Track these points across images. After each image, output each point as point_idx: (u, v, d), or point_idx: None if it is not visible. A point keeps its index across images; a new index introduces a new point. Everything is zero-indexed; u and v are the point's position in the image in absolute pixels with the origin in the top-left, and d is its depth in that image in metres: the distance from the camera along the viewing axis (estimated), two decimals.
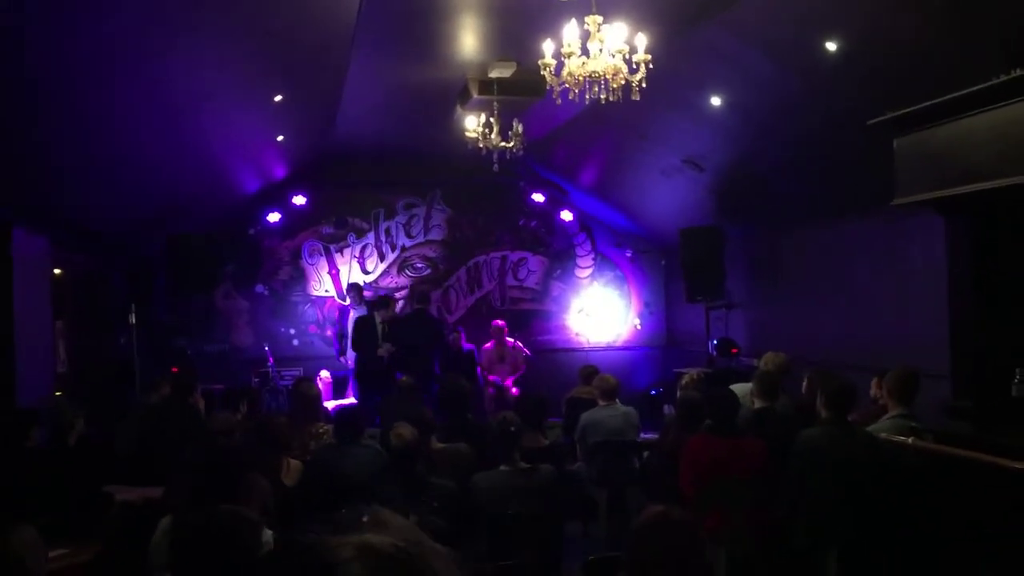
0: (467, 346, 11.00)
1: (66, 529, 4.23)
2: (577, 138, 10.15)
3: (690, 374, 7.31)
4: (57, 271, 7.92)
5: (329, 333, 11.60)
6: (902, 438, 4.60)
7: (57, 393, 7.47)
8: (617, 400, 6.86)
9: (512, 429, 4.80)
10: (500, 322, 11.17)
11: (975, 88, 4.26)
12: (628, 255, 12.87)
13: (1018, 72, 4.14)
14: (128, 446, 5.97)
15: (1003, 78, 4.21)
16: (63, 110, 5.59)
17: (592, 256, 12.78)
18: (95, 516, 4.60)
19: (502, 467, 4.78)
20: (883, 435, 4.73)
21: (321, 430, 6.12)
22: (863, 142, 5.80)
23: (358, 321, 9.86)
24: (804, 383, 6.46)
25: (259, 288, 11.63)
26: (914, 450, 4.44)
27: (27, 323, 6.73)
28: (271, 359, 10.74)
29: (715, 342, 10.19)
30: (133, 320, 9.10)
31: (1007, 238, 4.71)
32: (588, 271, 12.79)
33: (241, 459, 3.85)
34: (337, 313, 11.37)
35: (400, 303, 11.83)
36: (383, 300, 10.25)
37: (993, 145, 4.20)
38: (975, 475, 4.03)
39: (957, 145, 4.44)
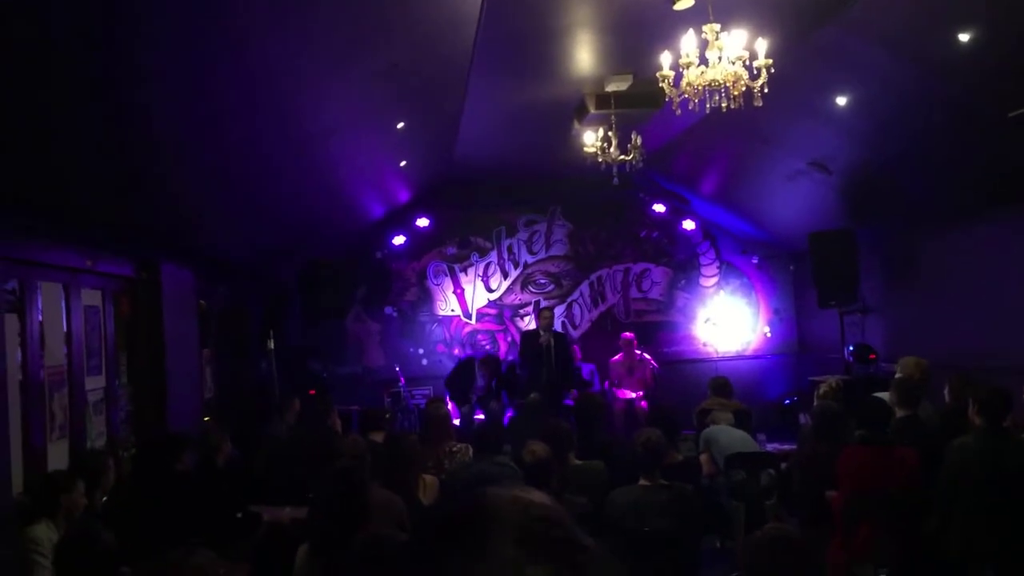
0: (586, 367, 10.97)
1: (217, 549, 4.43)
2: (697, 146, 10.03)
3: (828, 382, 7.08)
4: (203, 302, 8.33)
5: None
6: None
7: (205, 418, 7.87)
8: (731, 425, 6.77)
9: (657, 446, 4.77)
10: (629, 334, 11.09)
11: None
12: (754, 262, 12.60)
13: None
14: (270, 468, 6.22)
15: None
16: (204, 148, 5.90)
17: (717, 264, 12.57)
18: (244, 536, 4.81)
19: (642, 482, 4.76)
20: None
21: (454, 448, 6.24)
22: (999, 135, 5.52)
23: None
24: (947, 389, 6.19)
25: (388, 310, 11.94)
26: None
27: (177, 352, 7.11)
28: (402, 379, 11.01)
29: (851, 348, 9.85)
30: (272, 346, 9.49)
31: None
32: (713, 280, 12.58)
33: (365, 480, 3.95)
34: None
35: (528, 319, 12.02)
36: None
37: None
38: None
39: None
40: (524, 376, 10.22)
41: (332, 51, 5.62)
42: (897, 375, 6.26)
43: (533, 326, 11.85)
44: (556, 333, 10.49)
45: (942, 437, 5.01)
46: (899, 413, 5.54)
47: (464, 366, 10.51)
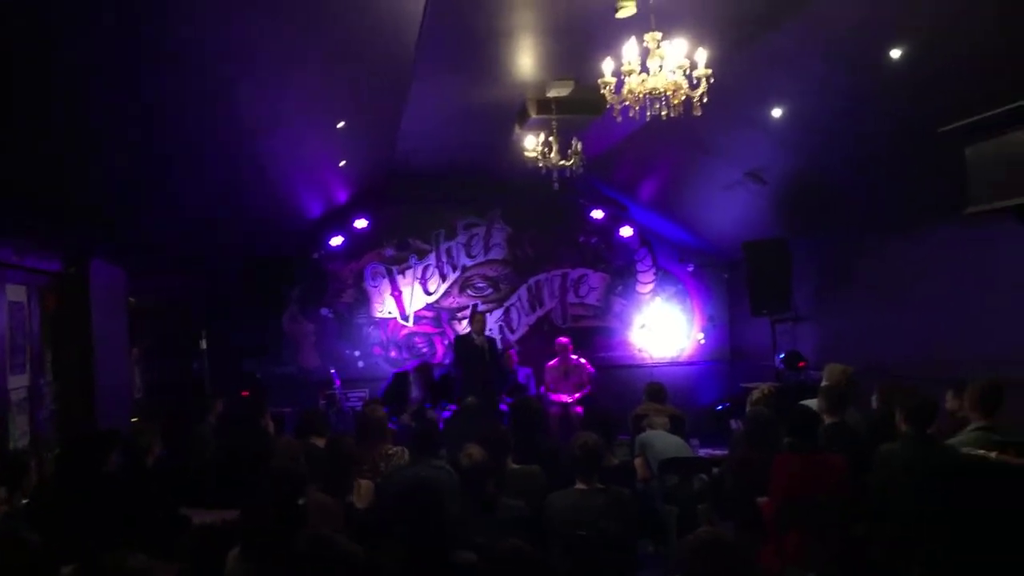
0: (522, 371, 11.00)
1: (146, 551, 4.31)
2: (637, 154, 10.12)
3: (760, 389, 7.17)
4: (133, 300, 8.12)
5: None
6: (984, 452, 4.47)
7: (134, 419, 7.67)
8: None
9: (594, 449, 4.78)
10: (564, 339, 11.14)
11: None
12: (690, 269, 12.76)
13: None
14: (200, 470, 6.08)
15: None
16: (137, 141, 5.75)
17: (653, 271, 12.71)
18: (174, 538, 4.69)
19: (578, 486, 4.77)
20: (965, 449, 4.60)
21: (391, 451, 6.17)
22: (932, 150, 5.69)
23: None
24: (875, 396, 6.35)
25: (324, 311, 11.79)
26: (998, 464, 4.31)
27: (105, 350, 6.92)
28: (337, 381, 10.88)
29: (782, 356, 10.04)
30: (204, 345, 9.30)
31: None
32: (649, 286, 12.71)
33: (302, 483, 3.89)
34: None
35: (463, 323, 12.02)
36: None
37: None
38: None
39: None
40: (460, 379, 10.24)
41: (272, 45, 5.52)
42: (824, 382, 6.38)
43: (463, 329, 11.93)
44: (487, 338, 10.55)
45: (870, 443, 5.12)
46: (827, 420, 5.65)
47: (398, 380, 10.46)
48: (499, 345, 10.78)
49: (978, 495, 4.32)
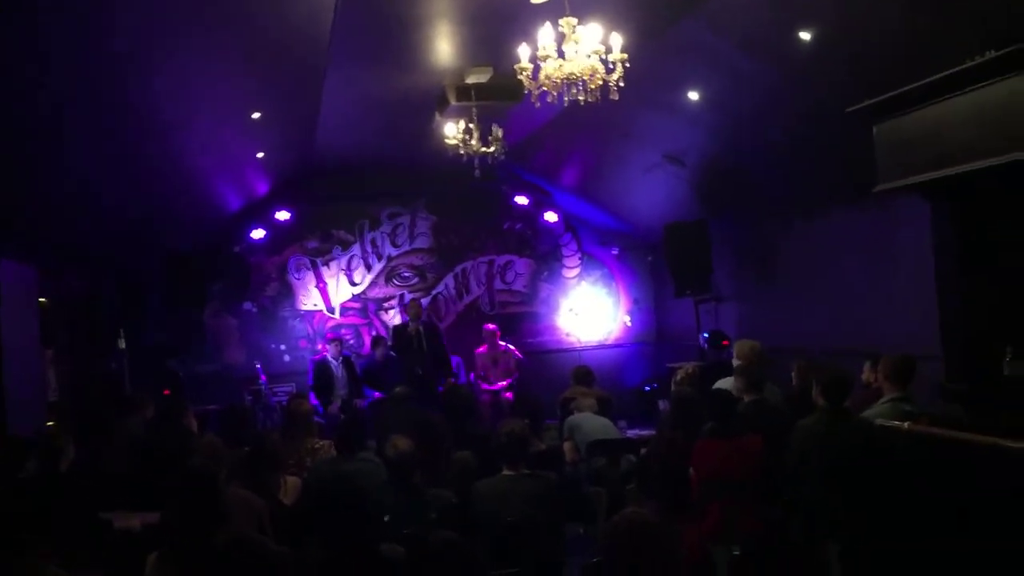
0: (452, 359, 10.98)
1: (65, 558, 4.19)
2: (558, 140, 10.16)
3: (684, 369, 7.30)
4: (44, 300, 7.85)
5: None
6: (897, 423, 4.61)
7: (49, 423, 7.43)
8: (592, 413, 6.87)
9: (520, 436, 4.80)
10: (492, 326, 11.15)
11: (950, 71, 4.29)
12: (614, 253, 12.88)
13: (992, 54, 4.17)
14: (120, 471, 5.93)
15: (978, 60, 4.25)
16: (46, 136, 5.56)
17: (578, 256, 12.80)
18: (93, 544, 4.57)
19: (505, 472, 4.78)
20: (879, 421, 4.74)
21: (317, 445, 6.11)
22: (844, 130, 5.82)
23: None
24: (794, 373, 6.50)
25: (247, 305, 11.58)
26: (909, 434, 4.45)
27: (16, 353, 6.69)
28: (263, 376, 10.71)
29: (706, 335, 10.21)
30: (123, 344, 9.05)
31: (991, 218, 4.73)
32: (575, 271, 12.80)
33: (219, 481, 3.82)
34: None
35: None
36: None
37: (971, 127, 4.23)
38: (972, 457, 4.04)
39: (935, 129, 4.47)
40: (397, 368, 10.22)
41: (182, 36, 5.39)
42: (735, 360, 6.50)
43: (398, 319, 11.87)
44: (426, 323, 10.54)
45: (789, 419, 5.24)
46: (747, 398, 5.77)
47: (320, 368, 10.34)
48: (439, 334, 10.72)
49: (891, 464, 4.46)
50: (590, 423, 6.75)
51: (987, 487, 3.93)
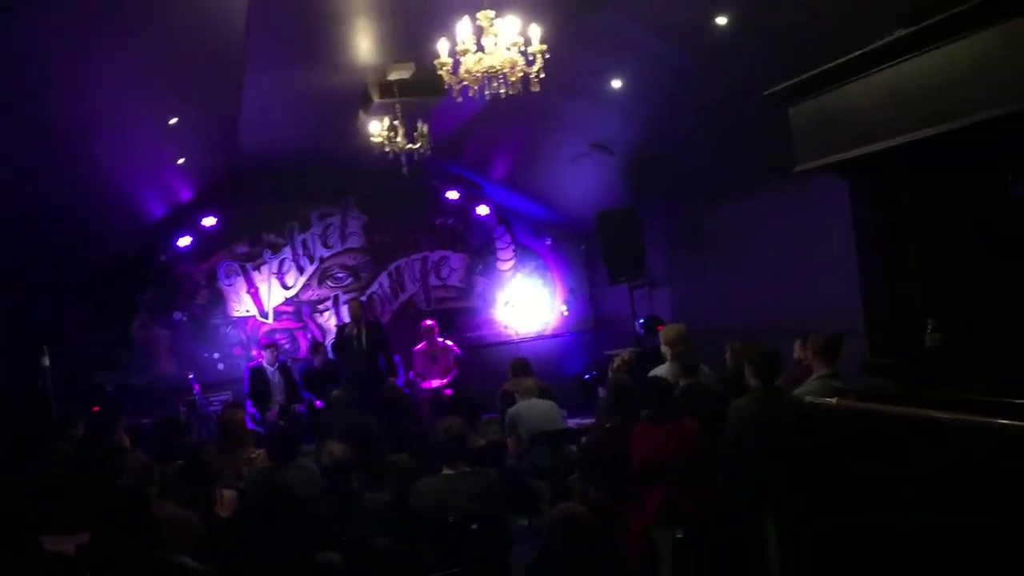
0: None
1: None
2: (485, 132, 10.13)
3: (620, 356, 7.34)
4: None
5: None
6: (827, 400, 4.70)
7: None
8: (535, 396, 6.85)
9: (457, 434, 4.78)
10: (430, 321, 11.08)
11: (861, 51, 4.36)
12: (548, 243, 12.91)
13: (902, 31, 4.25)
14: (50, 493, 5.75)
15: (888, 39, 4.32)
16: None
17: (512, 248, 12.79)
18: (25, 569, 4.42)
19: (445, 472, 4.76)
20: (809, 398, 4.83)
21: (253, 455, 6.01)
22: (764, 112, 5.89)
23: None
24: (727, 353, 6.59)
25: (177, 315, 11.30)
26: (839, 410, 4.54)
27: None
28: (196, 386, 10.48)
29: (641, 321, 10.29)
30: (47, 362, 8.77)
31: (907, 194, 4.83)
32: (510, 263, 12.79)
33: (147, 499, 3.73)
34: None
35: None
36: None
37: (884, 105, 4.31)
38: (900, 429, 4.13)
39: (849, 108, 4.54)
40: (339, 371, 10.13)
41: (88, 38, 5.22)
42: (662, 346, 6.57)
43: (334, 321, 11.75)
44: (369, 323, 10.44)
45: (724, 400, 5.31)
46: (682, 382, 5.84)
47: (255, 374, 10.19)
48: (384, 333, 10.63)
49: (823, 441, 4.54)
50: (533, 411, 6.72)
51: (915, 458, 4.02)
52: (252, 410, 9.79)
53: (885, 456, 4.29)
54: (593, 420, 7.04)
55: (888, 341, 4.91)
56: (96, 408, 8.43)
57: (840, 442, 4.57)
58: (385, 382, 9.79)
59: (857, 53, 4.38)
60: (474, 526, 4.51)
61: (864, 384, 5.01)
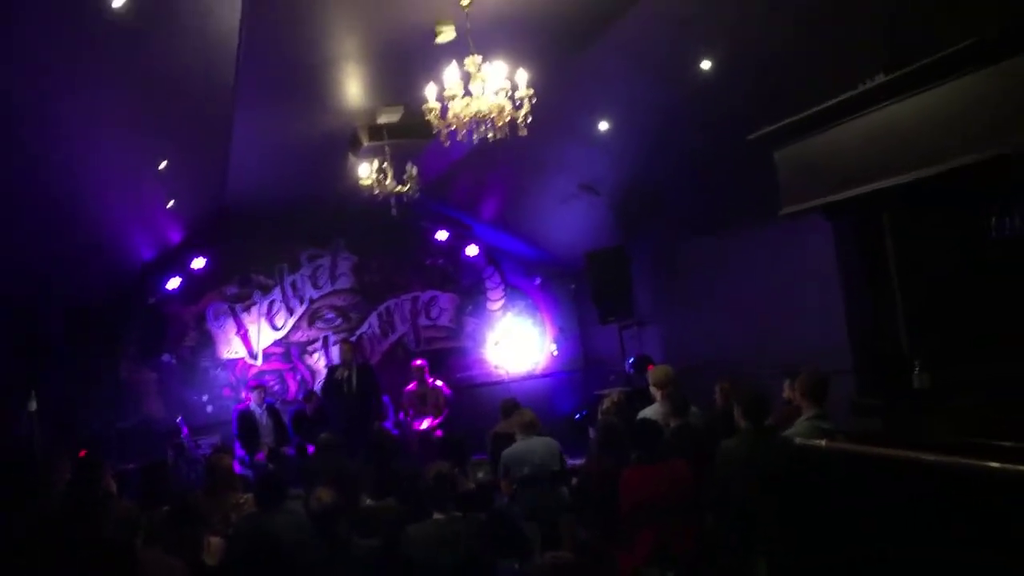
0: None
1: None
2: (474, 174, 10.19)
3: (610, 397, 7.34)
4: None
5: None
6: (816, 442, 4.70)
7: None
8: (535, 434, 6.74)
9: (447, 479, 4.76)
10: (420, 361, 11.05)
11: (843, 97, 4.43)
12: (537, 283, 12.94)
13: (882, 78, 4.32)
14: (36, 543, 5.68)
15: (868, 84, 4.39)
16: None
17: (502, 288, 12.82)
18: None
19: (435, 516, 4.73)
20: (798, 440, 4.83)
21: (241, 500, 5.96)
22: (748, 152, 5.97)
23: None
24: (717, 393, 6.60)
25: (166, 357, 11.23)
26: (828, 452, 4.54)
27: None
28: (185, 429, 10.38)
29: (631, 360, 10.28)
30: (34, 406, 8.70)
31: (892, 235, 4.88)
32: (499, 303, 12.81)
33: (131, 549, 3.68)
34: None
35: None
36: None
37: (866, 150, 4.37)
38: (890, 471, 4.13)
39: (833, 152, 4.60)
40: (330, 413, 10.09)
41: (77, 85, 5.26)
42: (651, 387, 6.57)
43: (323, 362, 11.71)
44: (360, 366, 10.41)
45: (714, 441, 5.30)
46: (672, 423, 5.84)
47: (243, 418, 10.13)
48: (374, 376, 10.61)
49: (812, 483, 4.54)
50: (530, 453, 6.53)
51: (904, 499, 4.02)
52: (241, 453, 9.71)
53: (874, 497, 4.29)
54: (584, 461, 7.01)
55: (876, 381, 4.93)
56: (82, 452, 8.36)
57: (830, 483, 4.56)
58: (374, 425, 9.78)
59: (839, 98, 4.45)
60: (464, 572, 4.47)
61: (853, 424, 5.02)
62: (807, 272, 7.40)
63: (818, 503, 4.54)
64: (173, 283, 11.17)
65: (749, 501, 4.70)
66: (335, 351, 11.57)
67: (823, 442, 4.63)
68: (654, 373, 6.73)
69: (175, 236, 10.64)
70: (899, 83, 4.19)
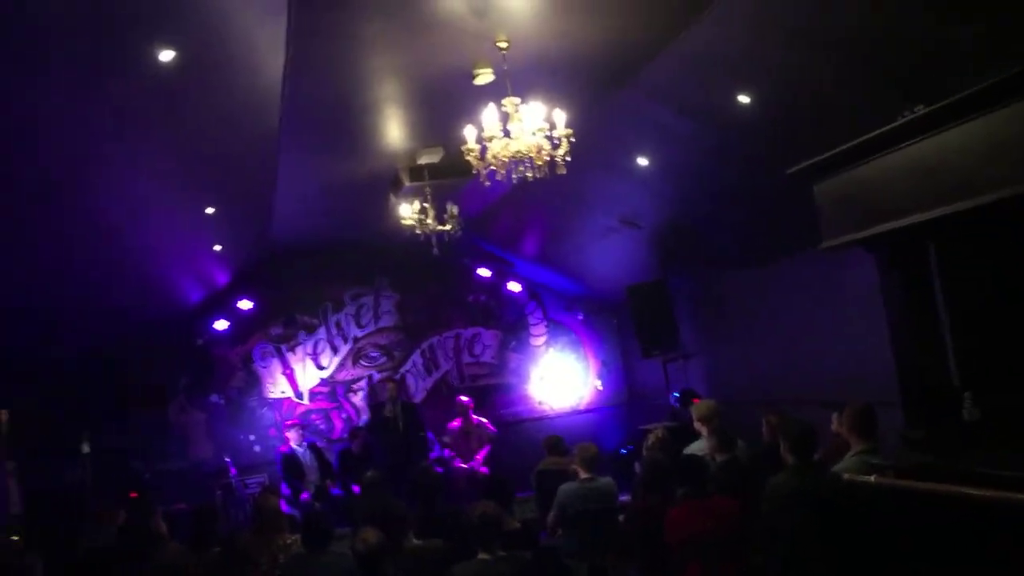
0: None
1: None
2: (515, 211, 10.27)
3: (655, 433, 7.26)
4: (5, 411, 7.71)
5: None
6: (865, 478, 4.62)
7: (13, 537, 7.22)
8: (595, 473, 6.58)
9: (492, 518, 4.75)
10: (465, 398, 11.05)
11: (882, 130, 4.41)
12: (580, 317, 12.94)
13: (921, 109, 4.30)
14: None
15: (908, 116, 4.37)
16: None
17: (544, 323, 12.84)
18: None
19: (481, 556, 4.73)
20: (847, 476, 4.75)
21: (289, 541, 5.99)
22: (787, 185, 5.96)
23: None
24: (763, 427, 6.53)
25: (214, 398, 11.41)
26: (877, 488, 4.46)
27: None
28: (233, 470, 10.51)
29: (676, 394, 10.22)
30: (87, 449, 8.88)
31: (938, 266, 4.82)
32: (542, 338, 12.82)
33: None
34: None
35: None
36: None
37: (908, 182, 4.34)
38: (939, 506, 4.06)
39: (874, 185, 4.57)
40: (375, 451, 10.19)
41: (129, 138, 5.42)
42: (696, 422, 6.51)
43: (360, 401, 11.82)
44: (404, 403, 10.48)
45: (761, 477, 5.24)
46: (719, 458, 5.78)
47: (287, 460, 10.23)
48: (418, 414, 10.66)
49: (861, 520, 4.46)
50: (588, 495, 6.44)
51: (957, 536, 3.94)
52: (287, 492, 9.79)
53: (926, 533, 4.21)
54: (630, 497, 6.96)
55: (924, 414, 4.84)
56: (134, 494, 8.50)
57: (880, 520, 4.48)
58: (419, 464, 9.79)
59: (877, 132, 4.43)
60: None
61: (902, 457, 4.92)
62: (850, 303, 7.33)
63: (867, 540, 4.46)
64: (220, 325, 11.37)
65: (797, 538, 4.63)
66: (380, 389, 11.60)
67: (872, 478, 4.55)
68: (698, 408, 6.69)
69: (222, 278, 10.84)
70: (940, 115, 4.16)
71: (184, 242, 8.33)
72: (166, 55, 4.50)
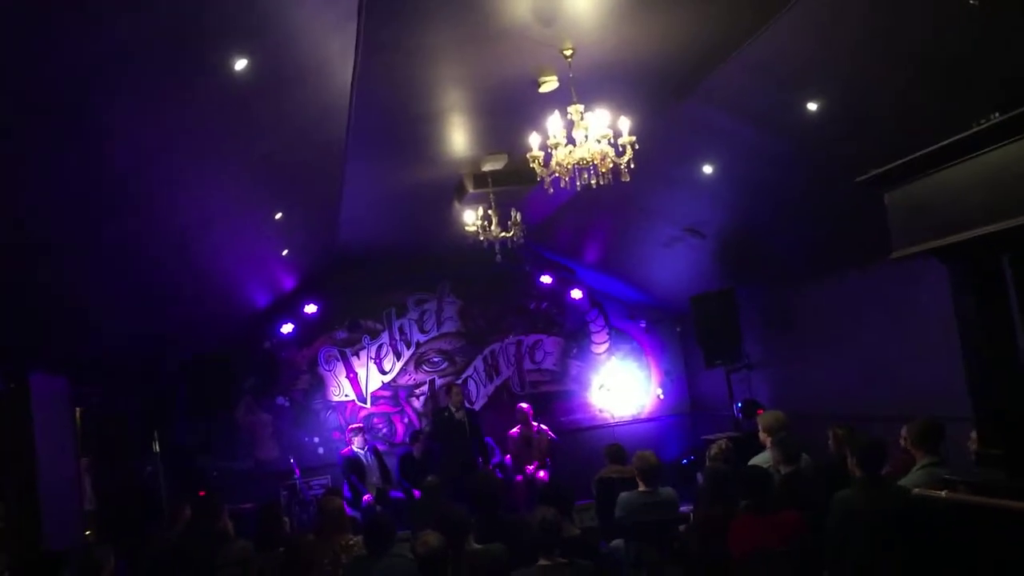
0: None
1: None
2: (577, 218, 10.27)
3: (718, 444, 7.20)
4: (79, 408, 7.95)
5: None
6: (935, 491, 4.51)
7: (87, 532, 7.45)
8: (658, 485, 6.45)
9: (552, 524, 4.76)
10: (526, 406, 11.09)
11: (956, 137, 4.30)
12: (642, 326, 12.87)
13: (996, 117, 4.18)
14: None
15: (983, 124, 4.25)
16: (75, 250, 5.70)
17: (606, 331, 12.79)
18: None
19: (541, 562, 4.74)
20: (916, 490, 4.64)
21: (351, 542, 6.06)
22: (857, 195, 5.86)
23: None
24: (830, 440, 6.41)
25: (280, 400, 11.63)
26: (949, 503, 4.35)
27: (51, 465, 6.74)
28: (297, 471, 10.70)
29: (739, 405, 10.09)
30: (157, 448, 9.11)
31: (1013, 278, 4.68)
32: (604, 346, 12.77)
33: None
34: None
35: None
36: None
37: (981, 191, 4.22)
38: (1013, 523, 3.94)
39: (946, 194, 4.45)
40: (439, 456, 10.25)
41: (202, 145, 5.56)
42: (761, 433, 6.42)
43: (429, 404, 11.90)
44: (468, 410, 10.54)
45: (826, 490, 5.15)
46: (783, 470, 5.69)
47: (348, 462, 10.37)
48: (479, 420, 10.73)
49: (930, 535, 4.36)
50: (654, 507, 6.39)
51: None
52: (349, 495, 9.92)
53: (997, 549, 4.09)
54: (692, 508, 6.90)
55: (998, 430, 4.70)
56: (202, 492, 8.69)
57: (950, 535, 4.37)
58: (480, 470, 9.84)
59: (951, 140, 4.32)
60: None
61: (977, 474, 4.79)
62: (921, 315, 7.16)
63: (938, 556, 4.35)
64: (287, 328, 11.58)
65: (866, 554, 4.54)
66: (441, 394, 11.68)
67: (943, 492, 4.44)
68: (763, 418, 6.60)
69: (289, 283, 11.04)
70: (1015, 122, 4.04)
71: (255, 246, 8.51)
72: (240, 63, 4.61)
